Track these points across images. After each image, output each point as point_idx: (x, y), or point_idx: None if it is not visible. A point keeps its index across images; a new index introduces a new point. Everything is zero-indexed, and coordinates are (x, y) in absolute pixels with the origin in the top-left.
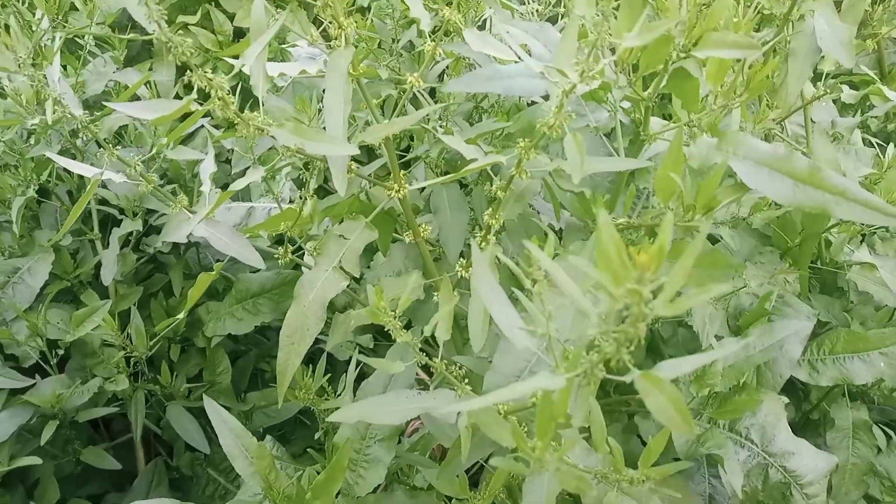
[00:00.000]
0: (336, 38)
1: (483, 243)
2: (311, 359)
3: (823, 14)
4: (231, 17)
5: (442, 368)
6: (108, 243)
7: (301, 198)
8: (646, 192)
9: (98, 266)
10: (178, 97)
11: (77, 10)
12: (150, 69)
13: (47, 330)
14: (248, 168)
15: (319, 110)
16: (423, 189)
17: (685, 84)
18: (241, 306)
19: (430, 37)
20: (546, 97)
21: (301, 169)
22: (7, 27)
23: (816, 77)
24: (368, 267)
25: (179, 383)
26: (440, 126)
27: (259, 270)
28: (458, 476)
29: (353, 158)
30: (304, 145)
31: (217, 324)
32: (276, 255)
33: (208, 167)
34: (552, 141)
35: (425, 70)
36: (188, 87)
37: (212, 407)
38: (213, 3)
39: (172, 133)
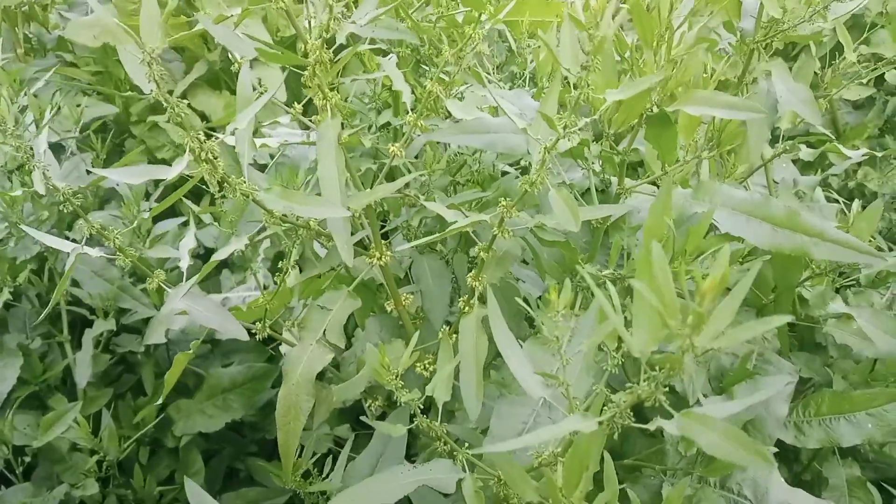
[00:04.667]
0: (322, 110)
1: (467, 307)
2: None
3: (780, 75)
4: (202, 116)
5: (442, 432)
6: (80, 345)
7: (281, 273)
8: (623, 251)
9: (66, 369)
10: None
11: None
12: None
13: (13, 436)
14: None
15: (305, 183)
16: (403, 263)
17: (664, 133)
18: (212, 403)
19: (410, 111)
20: (520, 167)
21: (283, 242)
22: None
23: (774, 139)
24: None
25: (150, 486)
26: (421, 195)
27: (231, 364)
28: None
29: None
30: (293, 209)
31: (187, 422)
32: (253, 332)
33: (188, 243)
34: (529, 207)
35: (406, 141)
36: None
37: (193, 490)
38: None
39: (156, 208)
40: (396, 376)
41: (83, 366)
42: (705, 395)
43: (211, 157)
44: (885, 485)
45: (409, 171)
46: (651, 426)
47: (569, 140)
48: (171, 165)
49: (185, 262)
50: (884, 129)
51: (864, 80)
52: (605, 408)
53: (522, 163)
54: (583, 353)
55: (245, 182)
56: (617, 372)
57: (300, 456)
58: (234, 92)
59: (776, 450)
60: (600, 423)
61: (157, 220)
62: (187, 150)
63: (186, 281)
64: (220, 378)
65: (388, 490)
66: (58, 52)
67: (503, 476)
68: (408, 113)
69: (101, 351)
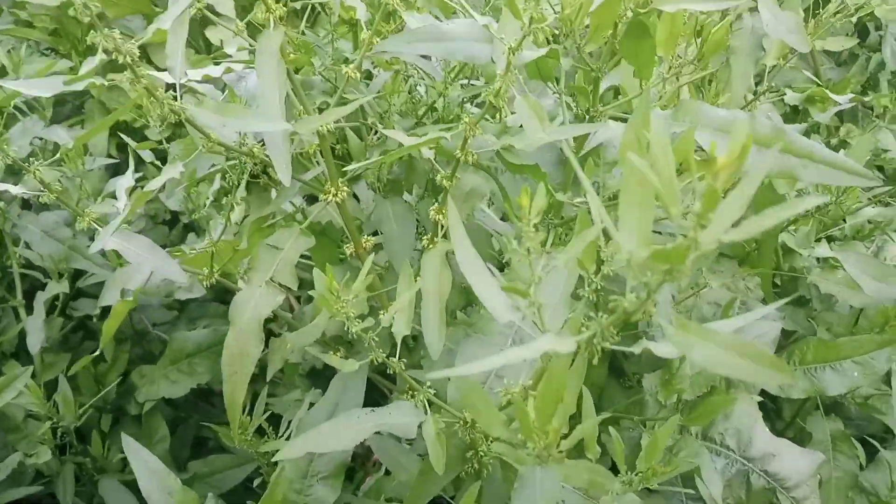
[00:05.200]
0: (266, 23)
1: (430, 244)
2: None
3: (766, 5)
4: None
5: (400, 368)
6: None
7: (227, 210)
8: (595, 184)
9: (22, 335)
10: (110, 156)
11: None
12: (82, 127)
13: None
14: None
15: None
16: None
17: (640, 46)
18: (176, 368)
19: (366, 27)
20: None
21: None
22: None
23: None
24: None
25: (113, 455)
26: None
27: (195, 329)
28: None
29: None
30: (227, 124)
31: (150, 388)
32: (200, 278)
33: (125, 182)
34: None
35: (360, 63)
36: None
37: (129, 444)
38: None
39: (81, 137)
40: (345, 302)
41: (35, 331)
42: None
43: (130, 62)
44: (869, 439)
45: (372, 109)
46: (636, 348)
47: (536, 45)
48: (134, 128)
49: (121, 202)
50: (866, 85)
51: (853, 14)
52: (584, 328)
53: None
54: (559, 276)
55: (174, 97)
56: (596, 298)
57: (251, 412)
58: (196, 50)
59: (760, 399)
60: (578, 343)
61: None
62: (99, 49)
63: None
64: (184, 342)
65: (343, 435)
66: (13, 10)
67: (466, 407)
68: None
69: (57, 315)
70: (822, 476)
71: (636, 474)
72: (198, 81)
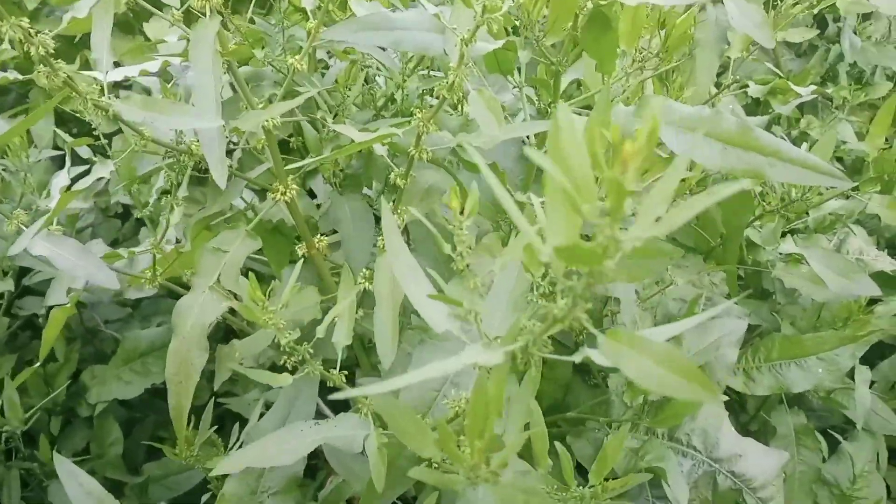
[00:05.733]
0: (201, 13)
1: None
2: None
3: None
4: (116, 64)
5: (340, 381)
6: None
7: (168, 212)
8: None
9: None
10: (56, 148)
11: None
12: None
13: None
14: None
15: None
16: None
17: (602, 38)
18: (129, 367)
19: (312, 15)
20: None
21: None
22: None
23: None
24: None
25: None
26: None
27: (149, 326)
28: None
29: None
30: (156, 120)
31: (102, 389)
32: (143, 282)
33: (61, 181)
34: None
35: (306, 52)
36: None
37: (62, 466)
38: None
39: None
40: (270, 312)
41: None
42: None
43: (44, 54)
44: (831, 432)
45: (326, 102)
46: (576, 357)
47: (493, 36)
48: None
49: (53, 200)
50: (825, 77)
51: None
52: (519, 337)
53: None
54: (507, 281)
55: (100, 91)
56: (541, 301)
57: (196, 425)
58: (147, 38)
59: (727, 398)
60: (510, 353)
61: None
62: (5, 39)
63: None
64: (137, 341)
65: (286, 449)
66: None
67: (391, 427)
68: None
69: (2, 314)
70: (787, 471)
71: (589, 488)
72: (134, 77)
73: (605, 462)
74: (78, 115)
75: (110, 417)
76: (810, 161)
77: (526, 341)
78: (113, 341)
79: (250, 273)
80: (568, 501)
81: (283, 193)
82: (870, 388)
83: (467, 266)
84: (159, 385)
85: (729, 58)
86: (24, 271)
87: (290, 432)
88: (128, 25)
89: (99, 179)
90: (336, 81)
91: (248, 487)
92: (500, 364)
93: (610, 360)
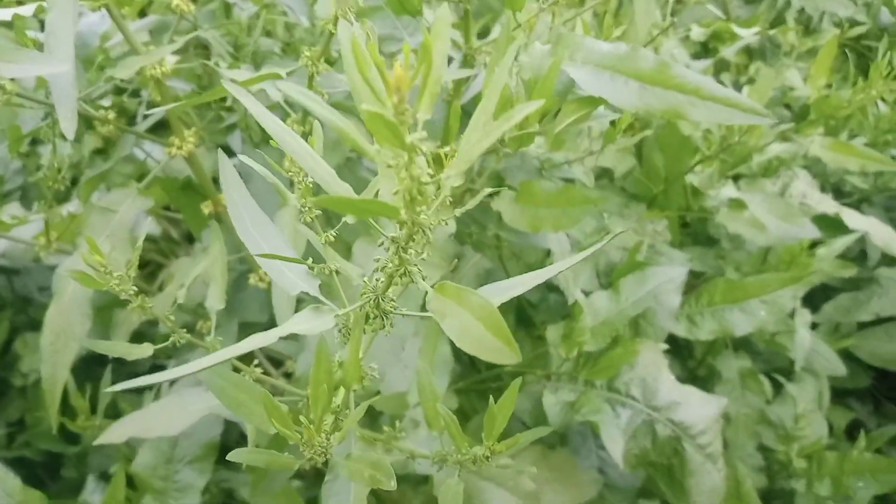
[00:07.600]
0: None
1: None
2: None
3: None
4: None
5: (214, 348)
6: None
7: (53, 172)
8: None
9: None
10: None
11: None
12: None
13: None
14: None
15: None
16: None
17: None
18: None
19: None
20: None
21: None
22: None
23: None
24: None
25: None
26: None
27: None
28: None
29: None
30: (3, 69)
31: (34, 357)
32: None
33: None
34: None
35: None
36: None
37: None
38: None
39: None
40: (116, 277)
41: None
42: (589, 293)
43: None
44: (774, 375)
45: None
46: (422, 314)
47: None
48: None
49: None
50: (774, 23)
51: None
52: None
53: None
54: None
55: None
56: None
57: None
58: None
59: (666, 346)
60: (346, 315)
61: None
62: None
63: None
64: None
65: (170, 418)
66: None
67: (224, 402)
68: None
69: None
70: (731, 413)
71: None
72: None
73: (493, 422)
74: None
75: None
76: (733, 98)
77: (365, 302)
78: (44, 308)
79: (87, 236)
80: (464, 462)
81: (180, 147)
82: (814, 329)
83: (314, 218)
84: (95, 352)
85: (679, 2)
86: None
87: (177, 400)
88: None
89: None
90: (245, 27)
91: (163, 456)
92: (354, 326)
93: (437, 315)
